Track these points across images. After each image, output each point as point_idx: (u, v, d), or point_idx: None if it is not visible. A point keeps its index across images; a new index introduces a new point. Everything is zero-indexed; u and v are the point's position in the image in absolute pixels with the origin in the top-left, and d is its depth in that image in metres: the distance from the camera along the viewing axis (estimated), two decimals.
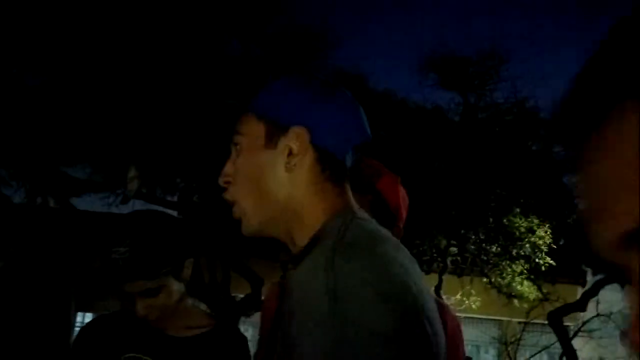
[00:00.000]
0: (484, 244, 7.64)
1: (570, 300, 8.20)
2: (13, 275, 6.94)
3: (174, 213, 6.54)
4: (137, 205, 6.61)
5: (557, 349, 8.47)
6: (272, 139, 0.94)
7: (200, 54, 5.68)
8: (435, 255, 8.31)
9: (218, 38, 5.85)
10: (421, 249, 8.13)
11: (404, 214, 1.47)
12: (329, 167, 0.95)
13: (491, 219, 7.27)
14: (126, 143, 5.80)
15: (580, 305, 7.88)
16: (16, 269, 6.96)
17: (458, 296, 8.93)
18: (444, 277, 8.32)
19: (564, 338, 7.75)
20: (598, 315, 8.30)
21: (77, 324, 8.62)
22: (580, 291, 9.24)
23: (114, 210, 6.98)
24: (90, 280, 6.49)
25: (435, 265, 8.70)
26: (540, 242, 7.12)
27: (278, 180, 0.94)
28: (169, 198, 7.60)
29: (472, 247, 7.72)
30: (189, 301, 1.54)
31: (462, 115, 7.48)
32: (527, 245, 7.20)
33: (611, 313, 8.26)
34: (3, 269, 6.80)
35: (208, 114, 5.27)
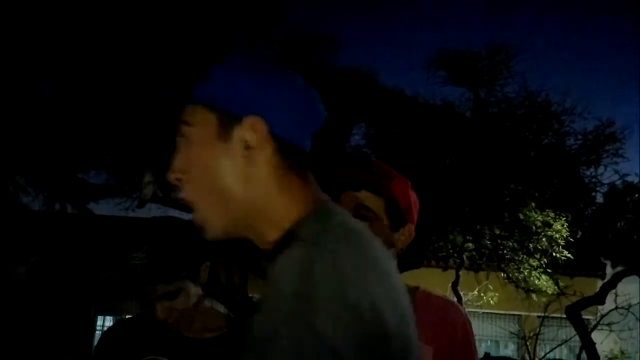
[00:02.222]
0: (500, 239, 7.61)
1: (590, 293, 8.13)
2: (34, 281, 7.05)
3: (190, 216, 6.60)
4: (153, 208, 6.68)
5: (577, 342, 8.41)
6: (225, 132, 0.84)
7: (211, 59, 5.73)
8: (451, 251, 8.30)
9: (227, 43, 5.89)
10: (437, 245, 8.12)
11: (415, 216, 1.52)
12: (290, 157, 0.86)
13: (506, 214, 7.24)
14: (141, 148, 5.87)
15: (599, 298, 7.81)
16: (37, 275, 7.07)
17: (475, 292, 8.91)
18: (460, 272, 8.31)
19: (583, 332, 7.69)
20: (617, 308, 8.23)
21: (98, 328, 8.74)
22: (599, 284, 9.16)
23: (131, 214, 7.08)
24: (109, 284, 6.58)
25: (451, 261, 8.68)
26: (557, 235, 7.07)
27: (237, 176, 0.84)
28: None
29: (488, 242, 7.69)
30: (207, 303, 1.56)
31: (473, 110, 7.44)
32: (544, 239, 7.15)
33: (630, 305, 8.19)
34: (24, 275, 6.91)
35: None
